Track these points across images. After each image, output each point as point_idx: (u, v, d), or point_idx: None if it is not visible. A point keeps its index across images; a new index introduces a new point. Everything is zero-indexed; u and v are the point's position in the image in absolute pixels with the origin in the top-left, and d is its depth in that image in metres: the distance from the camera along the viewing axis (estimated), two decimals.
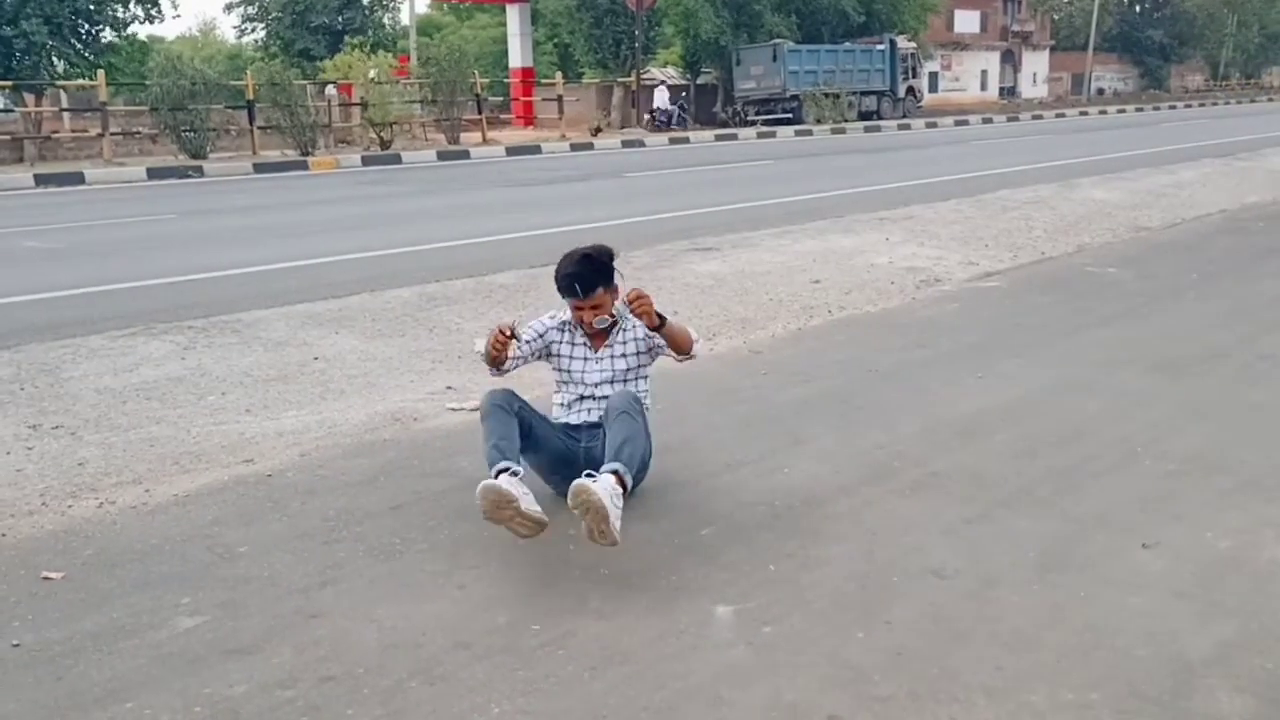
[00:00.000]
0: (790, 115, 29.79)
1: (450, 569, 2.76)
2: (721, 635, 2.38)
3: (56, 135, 22.01)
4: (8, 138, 21.30)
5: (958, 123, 30.18)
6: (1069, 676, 2.17)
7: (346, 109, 23.71)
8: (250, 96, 20.45)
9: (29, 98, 22.56)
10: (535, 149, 21.70)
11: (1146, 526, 2.90)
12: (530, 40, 34.43)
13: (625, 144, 23.50)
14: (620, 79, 31.34)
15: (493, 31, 45.23)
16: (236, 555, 2.89)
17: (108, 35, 24.98)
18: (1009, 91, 51.94)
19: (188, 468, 3.63)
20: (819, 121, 28.39)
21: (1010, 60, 53.25)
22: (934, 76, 45.62)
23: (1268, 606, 2.45)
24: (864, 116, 30.98)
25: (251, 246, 8.95)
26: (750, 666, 2.25)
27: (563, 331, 3.30)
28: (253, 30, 41.07)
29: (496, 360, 3.12)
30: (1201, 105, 40.93)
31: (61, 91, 23.63)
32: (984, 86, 50.71)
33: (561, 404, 3.32)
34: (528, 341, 3.22)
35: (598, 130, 26.60)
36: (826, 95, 28.99)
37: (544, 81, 32.70)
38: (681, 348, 3.23)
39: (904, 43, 34.11)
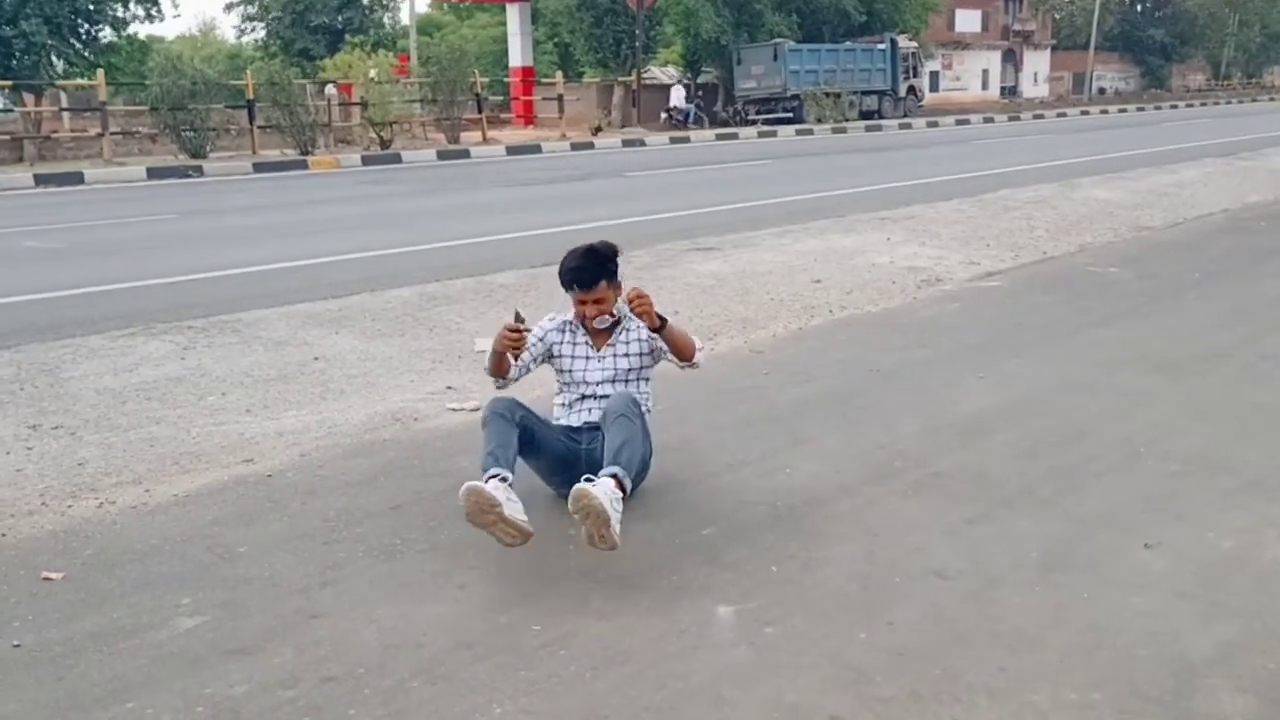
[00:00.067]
0: (791, 115, 29.79)
1: (451, 569, 2.76)
2: (723, 635, 2.38)
3: (56, 135, 22.00)
4: (7, 138, 21.28)
5: (959, 122, 30.21)
6: (1071, 677, 2.17)
7: (346, 108, 23.68)
8: (250, 96, 20.45)
9: (29, 97, 22.53)
10: (535, 148, 21.69)
11: (1149, 526, 2.90)
12: (530, 39, 34.39)
13: (626, 143, 23.49)
14: (621, 78, 31.35)
15: (493, 31, 45.19)
16: (236, 555, 2.88)
17: (108, 35, 24.97)
18: (1010, 91, 51.93)
19: (188, 468, 3.62)
20: (820, 121, 28.38)
21: (1011, 59, 53.25)
22: (935, 76, 45.63)
23: (1270, 607, 2.45)
24: (865, 116, 30.97)
25: (251, 246, 8.95)
26: (752, 667, 2.24)
27: (563, 332, 3.29)
28: (252, 30, 41.23)
29: (501, 370, 3.12)
30: (1203, 105, 40.91)
31: (61, 91, 23.62)
32: (985, 86, 50.69)
33: (563, 405, 3.31)
34: (530, 347, 3.19)
35: (598, 130, 26.59)
36: (827, 95, 28.97)
37: (544, 81, 32.66)
38: (683, 354, 3.22)
39: (905, 42, 34.13)
